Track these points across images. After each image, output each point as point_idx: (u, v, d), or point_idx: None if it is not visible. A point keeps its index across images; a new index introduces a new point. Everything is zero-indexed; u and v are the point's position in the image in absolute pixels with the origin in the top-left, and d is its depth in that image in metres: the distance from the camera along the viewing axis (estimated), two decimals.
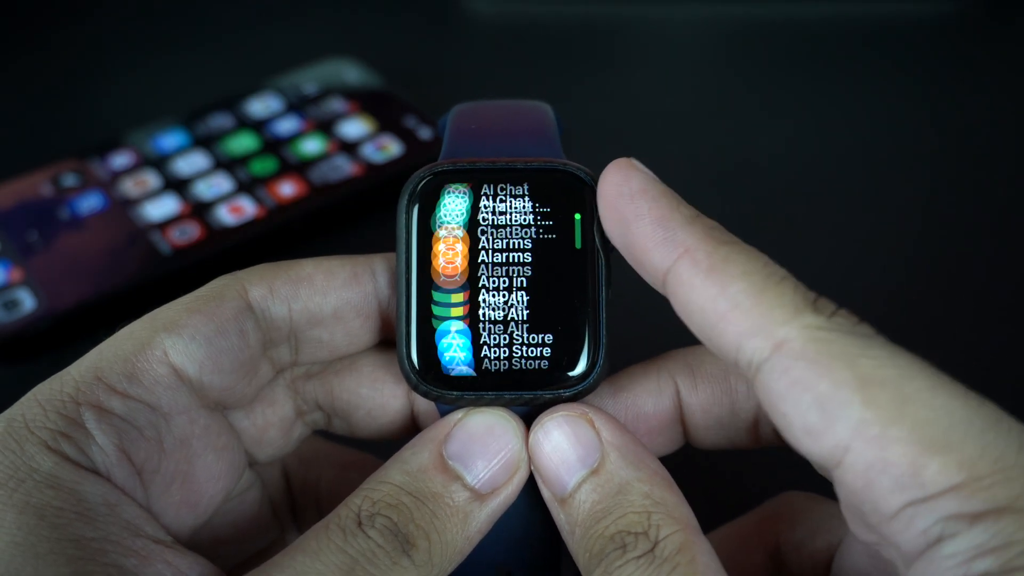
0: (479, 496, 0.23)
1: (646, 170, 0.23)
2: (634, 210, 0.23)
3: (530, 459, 0.24)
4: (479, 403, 0.24)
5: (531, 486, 0.24)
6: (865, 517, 0.20)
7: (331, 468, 0.29)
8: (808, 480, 0.26)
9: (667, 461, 0.26)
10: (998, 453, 0.19)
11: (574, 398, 0.24)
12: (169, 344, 0.23)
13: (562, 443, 0.23)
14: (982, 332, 0.40)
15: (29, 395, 0.22)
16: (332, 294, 0.25)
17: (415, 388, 0.24)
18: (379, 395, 0.27)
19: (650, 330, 0.36)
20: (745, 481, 0.27)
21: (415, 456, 0.23)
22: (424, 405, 0.27)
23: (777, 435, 0.25)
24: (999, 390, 0.22)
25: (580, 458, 0.23)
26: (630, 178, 0.23)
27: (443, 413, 0.24)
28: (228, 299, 0.24)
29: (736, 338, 0.21)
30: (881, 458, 0.19)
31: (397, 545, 0.21)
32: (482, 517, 0.23)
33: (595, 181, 0.24)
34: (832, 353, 0.20)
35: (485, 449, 0.23)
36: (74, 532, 0.20)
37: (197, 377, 0.23)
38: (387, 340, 0.26)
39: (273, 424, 0.27)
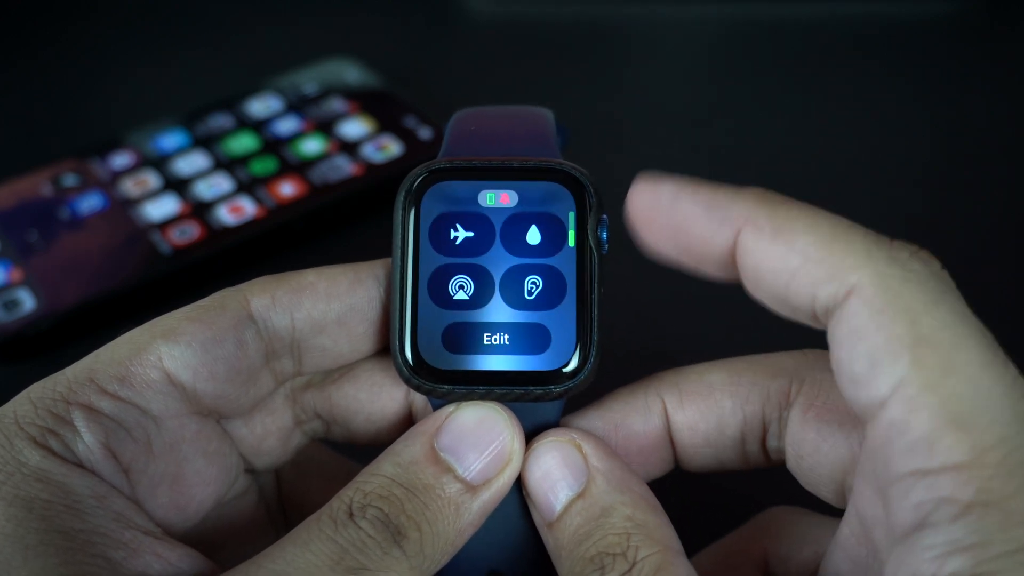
0: (471, 488, 0.23)
1: (666, 177, 0.23)
2: (680, 210, 0.23)
3: (522, 484, 0.24)
4: (470, 397, 0.24)
5: (518, 489, 0.25)
6: (877, 477, 0.20)
7: (323, 479, 0.29)
8: (793, 496, 0.26)
9: (656, 482, 0.26)
10: (1013, 447, 0.19)
11: (564, 394, 0.24)
12: (165, 350, 0.23)
13: (551, 468, 0.24)
14: None
15: (23, 393, 0.23)
16: (336, 300, 0.25)
17: (407, 381, 0.24)
18: (378, 399, 0.27)
19: (642, 333, 0.36)
20: (732, 499, 0.27)
21: (407, 449, 0.23)
22: (421, 404, 0.27)
23: (764, 454, 0.26)
24: None
25: (568, 483, 0.23)
26: (659, 187, 0.23)
27: (435, 408, 0.25)
28: (228, 309, 0.24)
29: (811, 289, 0.21)
30: (905, 420, 0.19)
31: (388, 536, 0.21)
32: (474, 509, 0.23)
33: (590, 180, 0.24)
34: (898, 305, 0.20)
35: (477, 441, 0.23)
36: (62, 524, 0.21)
37: (191, 384, 0.23)
38: (387, 345, 0.26)
39: (272, 433, 0.27)
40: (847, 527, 0.23)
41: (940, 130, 0.53)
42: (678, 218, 0.23)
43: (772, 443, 0.25)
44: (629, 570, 0.21)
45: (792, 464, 0.25)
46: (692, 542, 0.23)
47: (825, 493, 0.25)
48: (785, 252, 0.21)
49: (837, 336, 0.21)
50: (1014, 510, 0.19)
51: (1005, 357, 0.20)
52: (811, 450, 0.24)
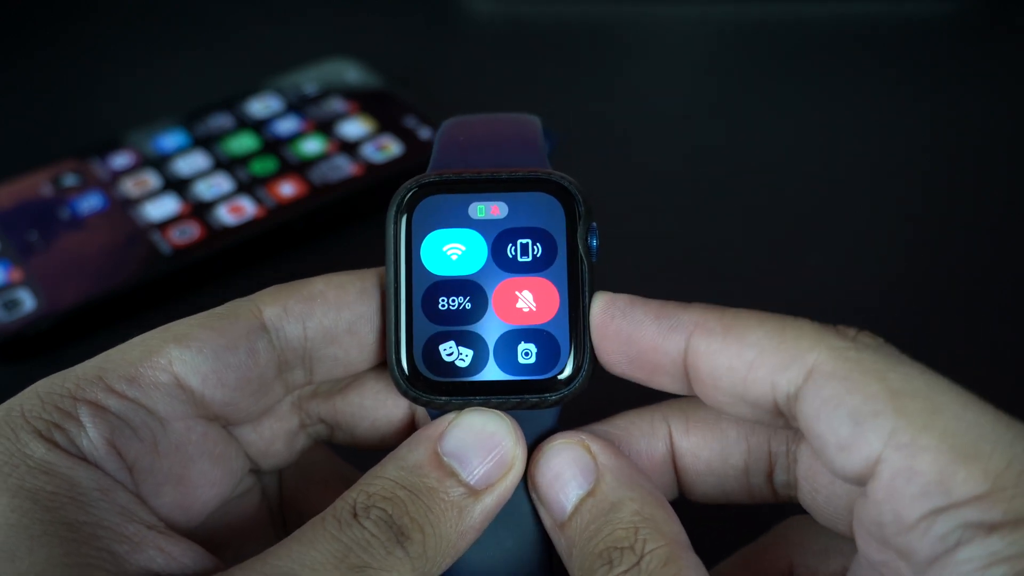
0: (474, 492, 0.23)
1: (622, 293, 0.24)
2: (632, 320, 0.24)
3: (533, 487, 0.24)
4: (467, 408, 0.24)
5: (522, 495, 0.25)
6: (884, 529, 0.20)
7: (324, 483, 0.29)
8: None
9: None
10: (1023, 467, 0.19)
11: (560, 401, 0.25)
12: (176, 354, 0.23)
13: (561, 469, 0.24)
14: (981, 333, 0.40)
15: (31, 388, 0.23)
16: (346, 309, 0.25)
17: (404, 394, 0.25)
18: (382, 406, 0.27)
19: None
20: (751, 506, 0.27)
21: (411, 453, 0.23)
22: (424, 411, 0.27)
23: (771, 488, 0.26)
24: (998, 391, 0.22)
25: (578, 482, 0.24)
26: (614, 301, 0.24)
27: (435, 418, 0.25)
28: (241, 318, 0.24)
29: (769, 377, 0.22)
30: (909, 467, 0.20)
31: (391, 536, 0.22)
32: (476, 513, 0.23)
33: (578, 189, 0.25)
34: (862, 369, 0.21)
35: (480, 446, 0.24)
36: (67, 516, 0.21)
37: (199, 389, 0.24)
38: None
39: (279, 437, 0.27)
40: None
41: (940, 130, 0.52)
42: (629, 328, 0.24)
43: (780, 477, 0.26)
44: (637, 563, 0.22)
45: (807, 499, 0.25)
46: (713, 551, 0.23)
47: (843, 527, 0.24)
48: (738, 347, 0.22)
49: (810, 413, 0.21)
50: None
51: (976, 394, 0.21)
52: (827, 481, 0.24)
